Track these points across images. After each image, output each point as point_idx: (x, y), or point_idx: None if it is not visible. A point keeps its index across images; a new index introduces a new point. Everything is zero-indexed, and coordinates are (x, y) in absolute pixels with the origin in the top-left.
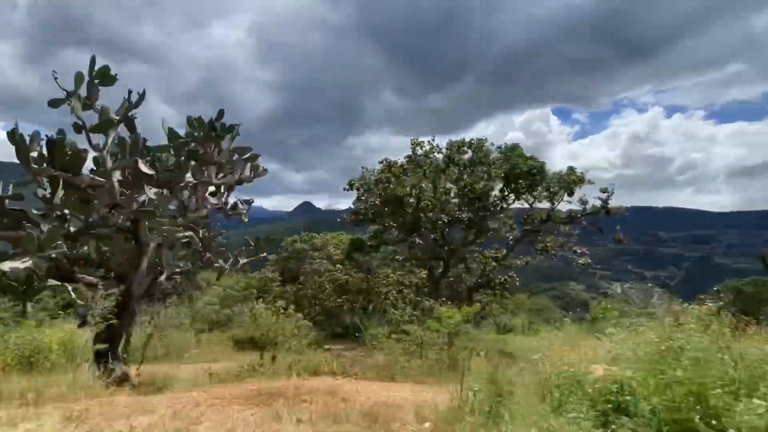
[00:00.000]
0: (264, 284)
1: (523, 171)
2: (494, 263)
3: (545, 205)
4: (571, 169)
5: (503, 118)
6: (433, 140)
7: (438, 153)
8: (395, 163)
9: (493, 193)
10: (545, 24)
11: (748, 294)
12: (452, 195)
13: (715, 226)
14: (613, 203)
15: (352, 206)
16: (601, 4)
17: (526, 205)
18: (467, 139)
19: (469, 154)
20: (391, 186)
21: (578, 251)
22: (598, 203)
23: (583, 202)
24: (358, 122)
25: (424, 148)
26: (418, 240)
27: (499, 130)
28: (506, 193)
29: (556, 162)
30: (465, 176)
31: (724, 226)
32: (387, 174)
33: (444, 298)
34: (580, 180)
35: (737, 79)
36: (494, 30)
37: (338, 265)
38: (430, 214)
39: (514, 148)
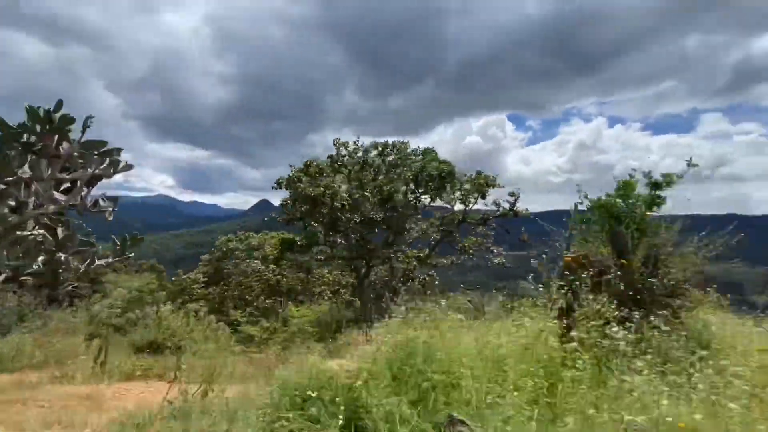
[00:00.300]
0: (184, 286)
1: (432, 174)
2: (416, 263)
3: (461, 207)
4: (479, 173)
5: (462, 123)
6: (358, 141)
7: (360, 154)
8: (311, 162)
9: (398, 195)
10: (502, 34)
11: None
12: (368, 196)
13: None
14: (563, 207)
15: (280, 205)
16: (551, 20)
17: (450, 207)
18: (391, 141)
19: (392, 157)
20: (301, 185)
21: (495, 251)
22: (522, 206)
23: (497, 204)
24: (319, 119)
25: (348, 149)
26: (340, 240)
27: (458, 134)
28: (417, 195)
29: (510, 166)
30: (380, 177)
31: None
32: (298, 173)
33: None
34: (490, 184)
35: (670, 94)
36: (455, 36)
37: (272, 266)
38: (348, 214)
39: (428, 152)
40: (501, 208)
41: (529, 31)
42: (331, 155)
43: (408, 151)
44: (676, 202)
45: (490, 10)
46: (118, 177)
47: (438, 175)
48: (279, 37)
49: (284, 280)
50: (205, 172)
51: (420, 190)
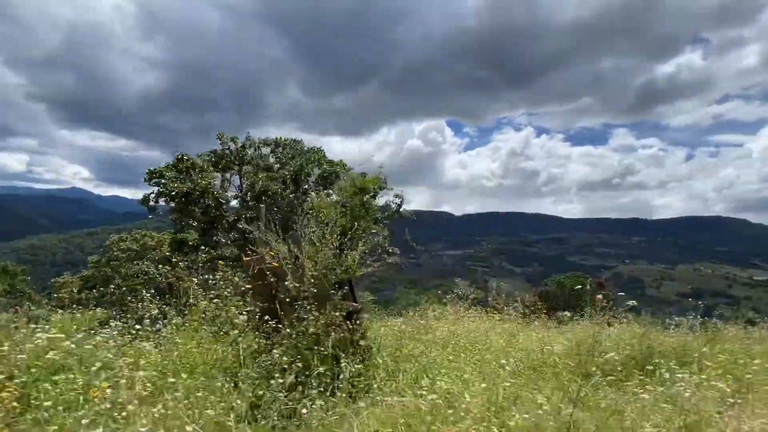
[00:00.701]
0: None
1: (311, 174)
2: None
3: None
4: (363, 174)
5: (404, 126)
6: (249, 136)
7: (253, 150)
8: (181, 157)
9: (276, 194)
10: (443, 42)
11: (564, 287)
12: (245, 193)
13: (567, 229)
14: (496, 209)
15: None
16: (487, 34)
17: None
18: (283, 139)
19: (279, 154)
20: (163, 181)
21: (390, 251)
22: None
23: (387, 205)
24: (259, 114)
25: (237, 144)
26: (224, 240)
27: (400, 137)
28: (297, 194)
29: (449, 170)
30: (260, 176)
31: (574, 230)
32: (165, 168)
33: None
34: (379, 186)
35: (587, 110)
36: (399, 40)
37: (166, 267)
38: (224, 212)
39: (314, 152)
40: (389, 210)
41: (467, 42)
42: (215, 149)
43: (305, 149)
44: (588, 208)
45: (434, 16)
46: (19, 166)
47: (321, 176)
48: (215, 23)
49: (179, 283)
50: (128, 164)
51: (301, 190)
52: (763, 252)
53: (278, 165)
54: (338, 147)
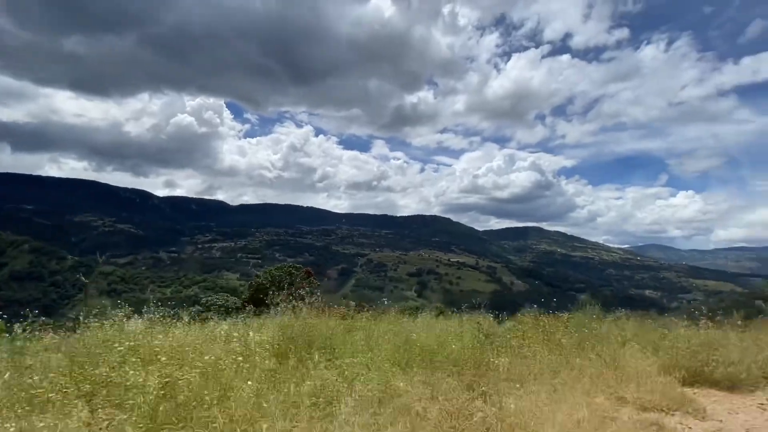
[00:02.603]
0: None
1: None
2: None
3: None
4: None
5: (174, 97)
6: None
7: None
8: None
9: None
10: (225, 15)
11: (275, 277)
12: None
13: (335, 222)
14: (274, 201)
15: None
16: (276, 23)
17: None
18: None
19: None
20: None
21: None
22: None
23: None
24: None
25: None
26: None
27: (168, 109)
28: None
29: (227, 155)
30: None
31: (340, 223)
32: None
33: None
34: None
35: (357, 120)
36: None
37: None
38: None
39: None
40: None
41: (254, 24)
42: None
43: None
44: (353, 204)
45: None
46: None
47: None
48: None
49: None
50: None
51: None
52: (458, 242)
53: None
54: (72, 106)
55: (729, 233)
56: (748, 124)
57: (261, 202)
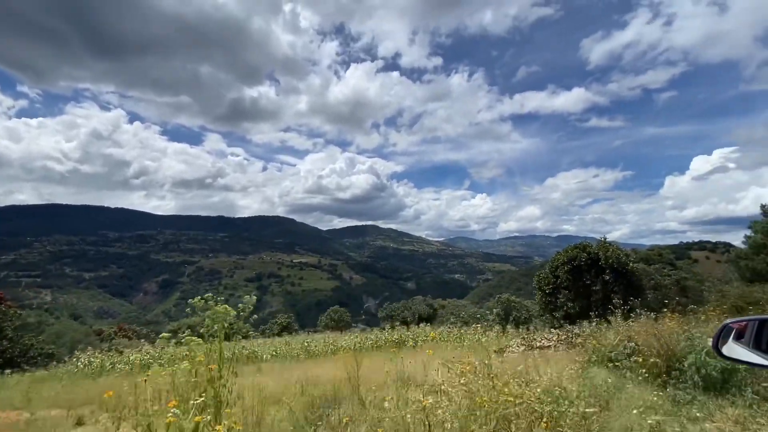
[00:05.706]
0: None
1: None
2: None
3: None
4: None
5: None
6: None
7: None
8: None
9: None
10: None
11: None
12: None
13: (156, 226)
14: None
15: None
16: None
17: None
18: None
19: None
20: None
21: None
22: None
23: None
24: None
25: None
26: None
27: None
28: None
29: None
30: None
31: (163, 227)
32: None
33: None
34: None
35: (186, 108)
36: None
37: None
38: None
39: None
40: None
41: None
42: None
43: None
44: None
45: None
46: None
47: None
48: None
49: None
50: None
51: None
52: (302, 242)
53: None
54: None
55: (508, 225)
56: (518, 143)
57: (45, 203)
